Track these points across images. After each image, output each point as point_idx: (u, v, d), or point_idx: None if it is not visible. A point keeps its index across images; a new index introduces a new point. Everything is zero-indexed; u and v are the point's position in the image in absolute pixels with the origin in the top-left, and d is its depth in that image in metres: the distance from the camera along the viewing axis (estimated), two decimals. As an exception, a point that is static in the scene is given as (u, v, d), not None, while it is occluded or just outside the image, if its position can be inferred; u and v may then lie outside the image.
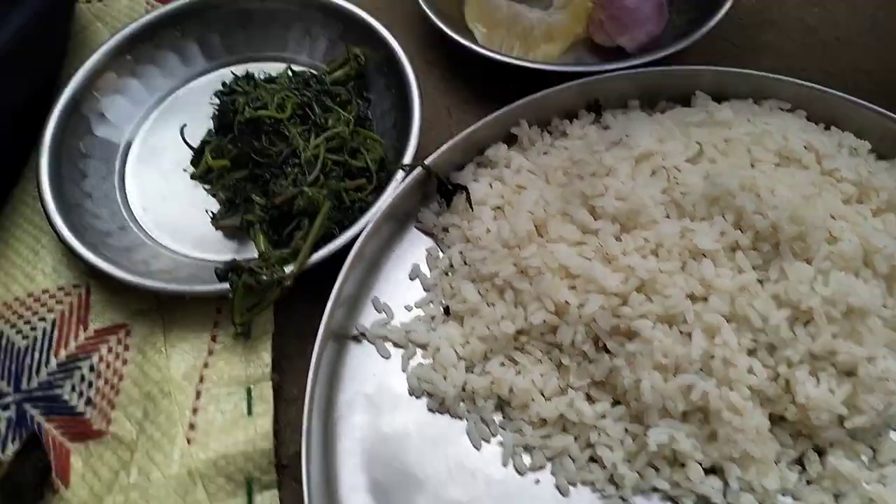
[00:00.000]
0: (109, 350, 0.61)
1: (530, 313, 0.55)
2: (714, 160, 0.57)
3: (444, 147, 0.63)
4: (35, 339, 0.62)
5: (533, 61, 0.70)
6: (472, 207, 0.62)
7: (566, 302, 0.53)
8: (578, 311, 0.53)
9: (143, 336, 0.61)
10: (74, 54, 0.77)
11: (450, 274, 0.62)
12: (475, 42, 0.73)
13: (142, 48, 0.74)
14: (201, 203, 0.69)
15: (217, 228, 0.67)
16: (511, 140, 0.67)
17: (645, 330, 0.51)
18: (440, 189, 0.64)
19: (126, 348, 0.61)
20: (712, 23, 0.68)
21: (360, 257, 0.59)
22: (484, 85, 0.75)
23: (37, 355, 0.61)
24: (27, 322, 0.63)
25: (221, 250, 0.66)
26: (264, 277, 0.58)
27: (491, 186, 0.64)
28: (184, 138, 0.71)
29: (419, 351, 0.58)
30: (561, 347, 0.54)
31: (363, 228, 0.60)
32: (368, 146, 0.67)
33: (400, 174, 0.63)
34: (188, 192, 0.69)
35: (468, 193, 0.62)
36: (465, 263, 0.61)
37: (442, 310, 0.60)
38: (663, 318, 0.52)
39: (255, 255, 0.63)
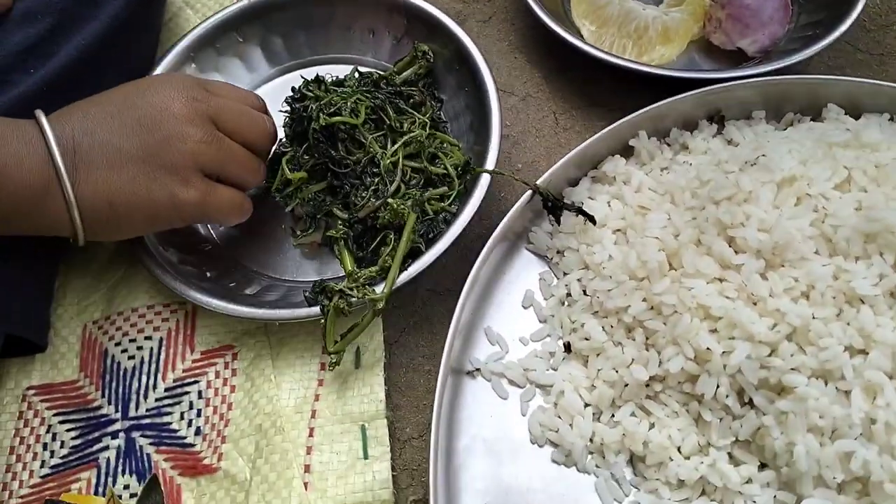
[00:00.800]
0: (217, 375, 0.58)
1: (666, 359, 0.50)
2: (865, 189, 0.52)
3: (559, 164, 0.59)
4: (142, 359, 0.59)
5: (650, 66, 0.65)
6: (594, 222, 0.58)
7: (707, 349, 0.49)
8: (722, 360, 0.49)
9: (250, 360, 0.59)
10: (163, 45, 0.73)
11: (568, 304, 0.57)
12: (583, 40, 0.67)
13: (205, 56, 0.69)
14: (278, 219, 0.65)
15: (296, 246, 0.64)
16: (626, 152, 0.62)
17: (798, 386, 0.47)
18: (548, 205, 0.59)
19: (234, 373, 0.58)
20: (843, 28, 0.63)
21: (474, 283, 0.55)
22: (592, 87, 0.70)
23: (144, 379, 0.59)
24: (132, 340, 0.60)
25: (302, 269, 0.63)
26: (355, 300, 0.55)
27: (610, 206, 0.59)
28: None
29: (537, 391, 0.55)
30: (701, 400, 0.50)
31: (451, 242, 0.57)
32: (447, 151, 0.63)
33: (485, 180, 0.59)
34: (263, 206, 0.65)
35: (586, 215, 0.58)
36: (586, 294, 0.57)
37: (562, 345, 0.56)
38: (818, 372, 0.47)
39: (337, 272, 0.61)
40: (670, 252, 0.53)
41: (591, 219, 0.58)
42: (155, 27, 0.71)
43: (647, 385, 0.52)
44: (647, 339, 0.53)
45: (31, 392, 0.59)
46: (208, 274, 0.61)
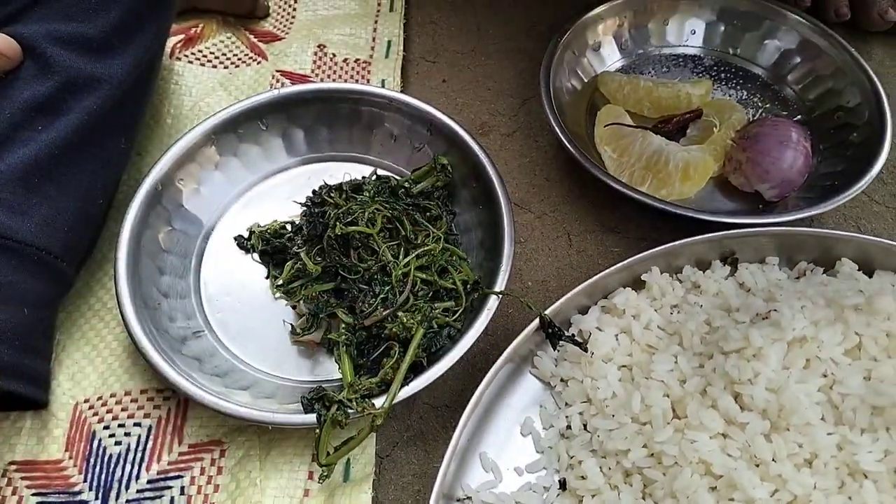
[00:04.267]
0: (202, 471, 0.58)
1: (662, 512, 0.51)
2: (875, 358, 0.54)
3: (570, 294, 0.60)
4: (129, 446, 0.60)
5: (668, 202, 0.68)
6: (585, 349, 0.59)
7: (706, 507, 0.49)
8: (721, 522, 0.49)
9: (238, 459, 0.59)
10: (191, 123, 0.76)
11: (567, 438, 0.58)
12: (603, 167, 0.70)
13: (225, 140, 0.71)
14: (279, 313, 0.66)
15: (294, 343, 0.65)
16: (638, 284, 0.64)
17: (797, 557, 0.47)
18: (548, 332, 0.60)
19: (219, 471, 0.59)
20: (863, 183, 0.66)
21: (475, 407, 0.56)
22: (609, 213, 0.73)
23: (128, 467, 0.59)
24: (121, 425, 0.61)
25: (297, 367, 0.64)
26: (353, 412, 0.55)
27: (617, 340, 0.61)
28: (266, 265, 0.69)
29: None
30: (697, 561, 0.50)
31: (454, 360, 0.57)
32: (456, 265, 0.65)
33: (493, 302, 0.60)
34: (264, 298, 0.67)
35: (581, 346, 0.59)
36: (586, 429, 0.57)
37: (557, 482, 0.56)
38: (818, 544, 0.48)
39: (332, 374, 0.62)
40: (675, 399, 0.55)
41: (584, 349, 0.59)
42: (151, 91, 0.73)
43: (642, 536, 0.52)
44: (644, 486, 0.53)
45: (13, 468, 0.58)
46: (202, 364, 0.62)
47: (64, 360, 0.64)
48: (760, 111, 0.79)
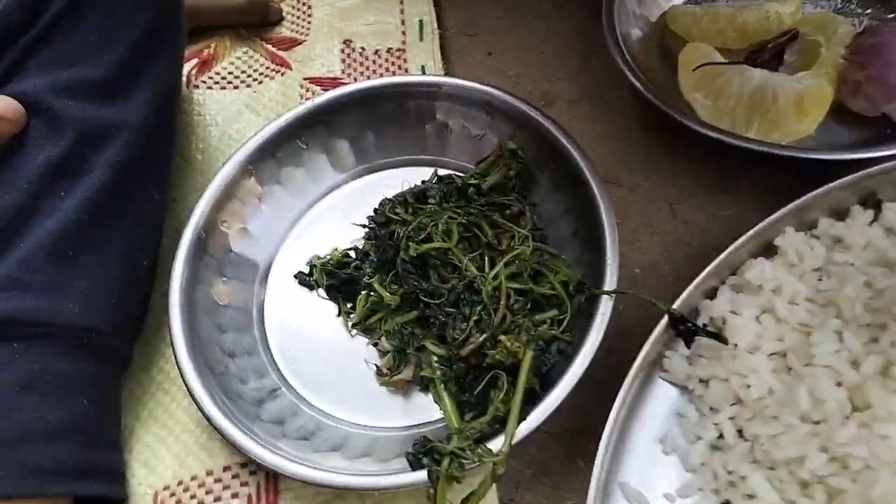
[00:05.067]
0: None
1: (863, 530, 0.42)
2: None
3: (700, 277, 0.52)
4: None
5: (788, 147, 0.59)
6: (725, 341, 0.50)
7: (921, 518, 0.40)
8: (942, 533, 0.40)
9: None
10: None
11: (721, 450, 0.50)
12: (696, 119, 0.60)
13: (264, 167, 0.64)
14: (359, 353, 0.59)
15: (383, 385, 0.58)
16: (767, 250, 0.55)
17: None
18: (679, 329, 0.52)
19: None
20: None
21: (612, 433, 0.48)
22: (712, 170, 0.64)
23: None
24: None
25: (391, 412, 0.57)
26: (470, 461, 0.48)
27: (759, 321, 0.52)
28: (335, 301, 0.62)
29: None
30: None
31: (575, 381, 0.50)
32: (550, 265, 0.56)
33: (606, 303, 0.52)
34: (340, 339, 0.60)
35: (719, 339, 0.50)
36: (743, 437, 0.49)
37: None
38: None
39: (428, 413, 0.56)
40: (851, 386, 0.46)
41: (724, 340, 0.51)
42: (175, 129, 0.67)
43: (841, 561, 0.43)
44: (830, 499, 0.44)
45: None
46: (284, 427, 0.55)
47: (134, 444, 0.58)
48: (864, 19, 0.68)
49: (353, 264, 0.61)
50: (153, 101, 0.60)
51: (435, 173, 0.63)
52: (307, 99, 0.67)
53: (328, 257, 0.62)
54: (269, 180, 0.65)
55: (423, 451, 0.49)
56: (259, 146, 0.63)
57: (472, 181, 0.60)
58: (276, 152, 0.64)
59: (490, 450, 0.48)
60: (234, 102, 0.75)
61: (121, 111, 0.57)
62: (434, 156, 0.67)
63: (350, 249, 0.62)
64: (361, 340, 0.59)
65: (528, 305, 0.54)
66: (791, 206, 0.53)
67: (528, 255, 0.55)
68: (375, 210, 0.59)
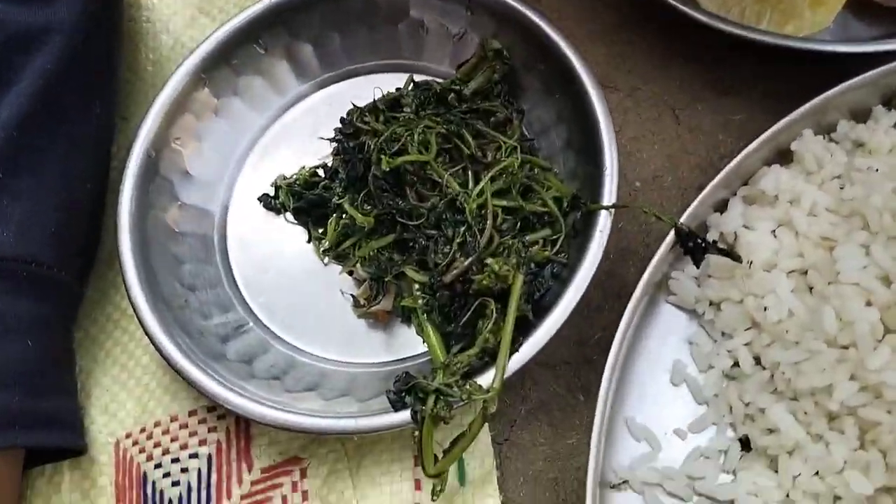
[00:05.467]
0: (284, 501, 0.49)
1: (899, 464, 0.38)
2: None
3: (710, 187, 0.47)
4: (189, 485, 0.50)
5: (803, 40, 0.53)
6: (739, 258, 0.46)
7: (962, 450, 0.36)
8: None
9: (324, 478, 0.49)
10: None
11: (736, 379, 0.46)
12: (701, 10, 0.54)
13: (219, 76, 0.57)
14: (333, 282, 0.54)
15: (361, 317, 0.53)
16: (782, 157, 0.50)
17: None
18: (688, 246, 0.46)
19: (304, 497, 0.49)
20: None
21: (614, 365, 0.44)
22: (719, 71, 0.58)
23: None
24: (175, 459, 0.51)
25: (370, 347, 0.53)
26: (457, 399, 0.43)
27: (776, 236, 0.47)
28: (305, 225, 0.56)
29: None
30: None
31: (572, 306, 0.45)
32: (541, 180, 0.51)
33: (605, 220, 0.47)
34: (312, 267, 0.55)
35: (732, 257, 0.45)
36: (761, 365, 0.45)
37: (737, 441, 0.44)
38: None
39: (414, 347, 0.52)
40: (882, 306, 0.41)
41: (737, 258, 0.46)
42: (118, 36, 0.60)
43: (870, 498, 0.39)
44: (863, 432, 0.40)
45: None
46: (253, 366, 0.51)
47: (92, 389, 0.54)
48: None
49: (322, 184, 0.55)
50: (85, 1, 0.53)
51: (410, 79, 0.56)
52: (266, -4, 0.59)
53: (295, 177, 0.56)
54: (225, 91, 0.58)
55: (405, 389, 0.45)
56: (212, 52, 0.56)
57: (454, 87, 0.54)
58: (232, 59, 0.57)
59: (480, 386, 0.44)
60: (187, 6, 0.67)
61: (51, 12, 0.51)
62: (409, 60, 0.60)
63: (318, 167, 0.56)
64: (335, 269, 0.54)
65: (518, 225, 0.50)
66: (807, 106, 0.48)
67: (517, 168, 0.50)
68: (343, 120, 0.53)
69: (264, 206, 0.57)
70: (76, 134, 0.53)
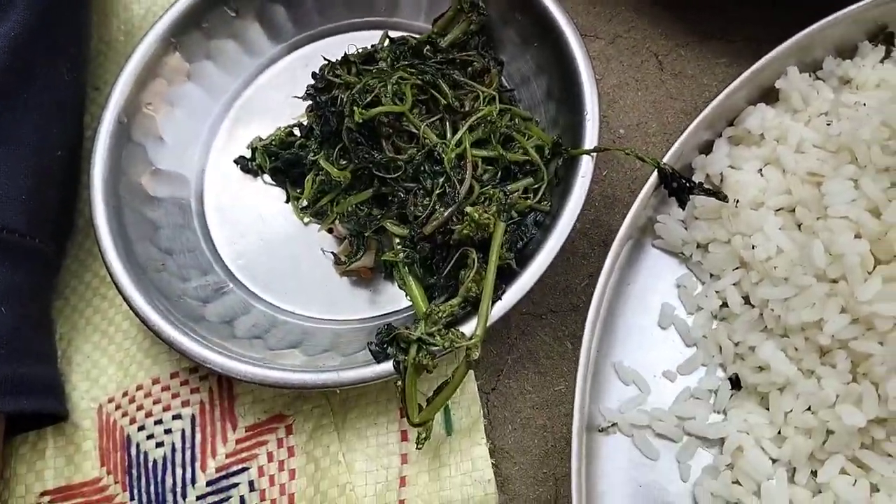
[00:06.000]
0: (270, 457, 0.48)
1: (892, 395, 0.37)
2: None
3: (692, 127, 0.45)
4: (174, 445, 0.49)
5: None
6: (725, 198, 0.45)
7: (955, 377, 0.35)
8: (978, 392, 0.35)
9: (309, 433, 0.48)
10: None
11: (725, 319, 0.45)
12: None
13: (190, 40, 0.56)
14: (314, 241, 0.53)
15: (343, 274, 0.52)
16: (768, 96, 0.49)
17: None
18: (672, 187, 0.45)
19: (290, 453, 0.48)
20: None
21: (598, 307, 0.43)
22: (700, 14, 0.57)
23: (179, 472, 0.49)
24: (158, 421, 0.50)
25: (353, 303, 0.52)
26: (439, 348, 0.43)
27: (762, 175, 0.46)
28: (282, 185, 0.55)
29: (701, 446, 0.43)
30: (946, 447, 0.37)
31: (554, 253, 0.44)
32: (522, 129, 0.50)
33: (587, 165, 0.46)
34: (291, 227, 0.54)
35: (718, 196, 0.44)
36: (749, 304, 0.44)
37: (727, 380, 0.44)
38: None
39: (398, 302, 0.51)
40: (872, 237, 0.40)
41: (723, 198, 0.45)
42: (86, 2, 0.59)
43: (863, 431, 0.38)
44: (854, 366, 0.39)
45: (47, 499, 0.49)
46: (234, 326, 0.50)
47: (73, 356, 0.53)
48: None
49: (298, 143, 0.54)
50: None
51: (385, 35, 0.55)
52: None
53: (270, 138, 0.55)
54: (197, 55, 0.57)
55: (387, 341, 0.45)
56: (182, 16, 0.56)
57: (429, 40, 0.53)
58: (203, 22, 0.56)
59: (462, 333, 0.43)
60: (157, -26, 0.66)
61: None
62: (384, 17, 0.59)
63: (294, 126, 0.55)
64: (315, 228, 0.53)
65: (499, 174, 0.49)
66: (790, 42, 0.47)
67: (496, 117, 0.49)
68: (314, 75, 0.52)
69: (241, 168, 0.56)
70: (45, 101, 0.52)
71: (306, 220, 0.53)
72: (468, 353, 0.42)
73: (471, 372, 0.46)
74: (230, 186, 0.55)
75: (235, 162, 0.55)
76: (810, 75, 0.49)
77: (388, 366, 0.43)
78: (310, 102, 0.55)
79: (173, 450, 0.49)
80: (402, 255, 0.48)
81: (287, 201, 0.54)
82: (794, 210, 0.44)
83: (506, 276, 0.45)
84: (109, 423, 0.50)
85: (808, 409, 0.40)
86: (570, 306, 0.49)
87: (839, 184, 0.42)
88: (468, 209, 0.45)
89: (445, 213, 0.46)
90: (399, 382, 0.43)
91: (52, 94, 0.52)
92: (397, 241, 0.48)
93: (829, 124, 0.46)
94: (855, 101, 0.46)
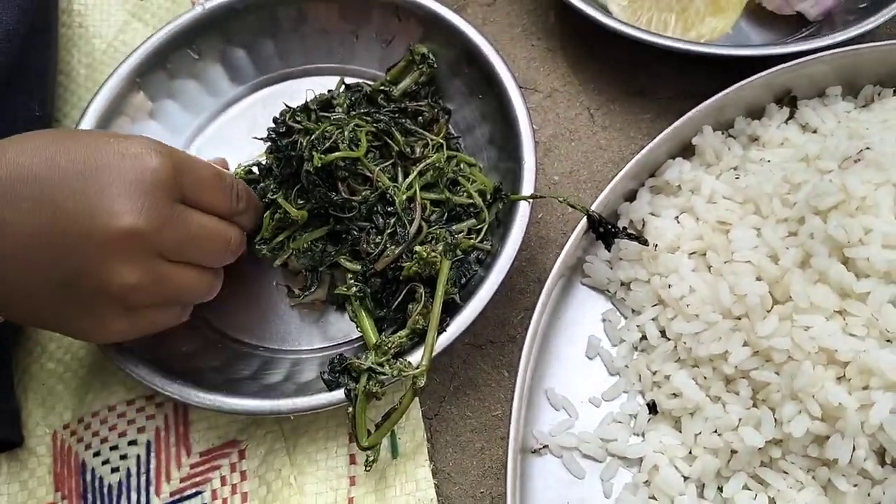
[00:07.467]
0: (223, 481, 0.50)
1: (786, 419, 0.43)
2: None
3: (618, 178, 0.51)
4: (129, 470, 0.51)
5: (702, 44, 0.58)
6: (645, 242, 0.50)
7: (839, 404, 0.41)
8: (859, 417, 0.41)
9: (262, 458, 0.51)
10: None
11: (644, 351, 0.50)
12: (613, 19, 0.58)
13: (154, 80, 0.59)
14: (269, 275, 0.57)
15: (296, 307, 0.56)
16: (685, 151, 0.55)
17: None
18: (599, 231, 0.51)
19: (243, 477, 0.51)
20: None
21: (534, 338, 0.48)
22: (630, 74, 0.62)
23: (134, 496, 0.51)
24: (114, 447, 0.52)
25: (307, 335, 0.55)
26: (388, 376, 0.47)
27: (679, 222, 0.52)
28: None
29: (621, 465, 0.48)
30: (832, 465, 0.43)
31: (494, 288, 0.48)
32: (467, 174, 0.55)
33: (524, 209, 0.51)
34: (248, 261, 0.56)
35: (638, 240, 0.50)
36: (666, 337, 0.49)
37: (645, 405, 0.48)
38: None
39: (348, 333, 0.54)
40: (771, 280, 0.46)
41: (644, 242, 0.50)
42: (53, 40, 0.61)
43: (762, 450, 0.44)
44: (755, 393, 0.45)
45: None
46: (191, 356, 0.52)
47: (28, 383, 0.55)
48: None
49: (257, 181, 0.57)
50: (22, 6, 0.54)
51: (341, 81, 0.59)
52: (198, 5, 0.61)
53: (230, 175, 0.58)
54: (159, 94, 0.60)
55: (339, 370, 0.48)
56: (147, 56, 0.59)
57: (383, 88, 0.57)
58: (167, 63, 0.60)
59: (409, 363, 0.47)
60: (120, 11, 0.69)
61: None
62: (340, 64, 0.63)
63: (253, 165, 0.58)
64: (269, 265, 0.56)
65: (445, 216, 0.53)
66: (707, 104, 0.53)
67: (443, 163, 0.53)
68: (275, 120, 0.55)
69: (200, 204, 0.58)
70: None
71: (262, 254, 0.56)
72: (414, 381, 0.46)
73: (416, 400, 0.50)
74: (189, 220, 0.58)
75: (195, 198, 0.58)
76: (723, 133, 0.55)
77: (339, 393, 0.47)
78: (269, 143, 0.58)
79: (128, 475, 0.51)
80: (354, 289, 0.51)
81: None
82: (705, 254, 0.50)
83: (450, 310, 0.49)
84: (64, 449, 0.52)
85: (715, 431, 0.45)
86: (508, 338, 0.53)
87: (744, 232, 0.48)
88: (417, 248, 0.50)
89: (396, 251, 0.50)
90: (350, 409, 0.46)
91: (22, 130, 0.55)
92: (350, 276, 0.52)
93: (737, 178, 0.52)
94: (761, 158, 0.52)
